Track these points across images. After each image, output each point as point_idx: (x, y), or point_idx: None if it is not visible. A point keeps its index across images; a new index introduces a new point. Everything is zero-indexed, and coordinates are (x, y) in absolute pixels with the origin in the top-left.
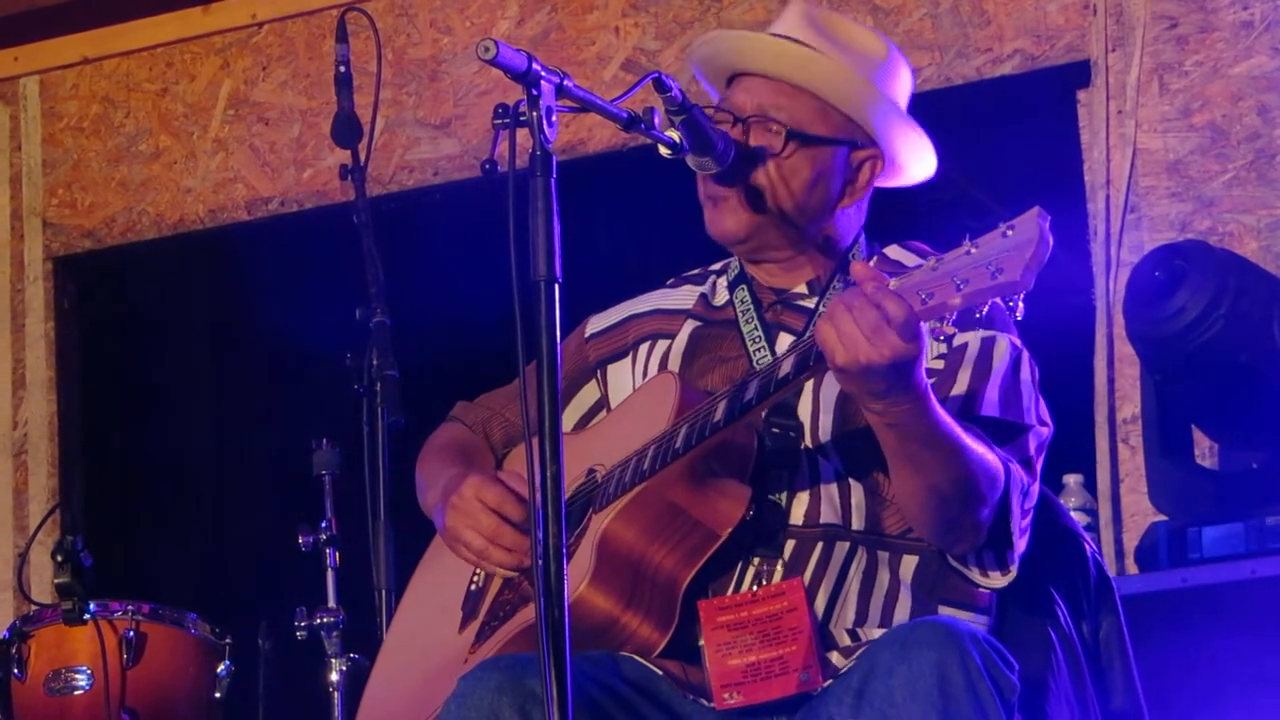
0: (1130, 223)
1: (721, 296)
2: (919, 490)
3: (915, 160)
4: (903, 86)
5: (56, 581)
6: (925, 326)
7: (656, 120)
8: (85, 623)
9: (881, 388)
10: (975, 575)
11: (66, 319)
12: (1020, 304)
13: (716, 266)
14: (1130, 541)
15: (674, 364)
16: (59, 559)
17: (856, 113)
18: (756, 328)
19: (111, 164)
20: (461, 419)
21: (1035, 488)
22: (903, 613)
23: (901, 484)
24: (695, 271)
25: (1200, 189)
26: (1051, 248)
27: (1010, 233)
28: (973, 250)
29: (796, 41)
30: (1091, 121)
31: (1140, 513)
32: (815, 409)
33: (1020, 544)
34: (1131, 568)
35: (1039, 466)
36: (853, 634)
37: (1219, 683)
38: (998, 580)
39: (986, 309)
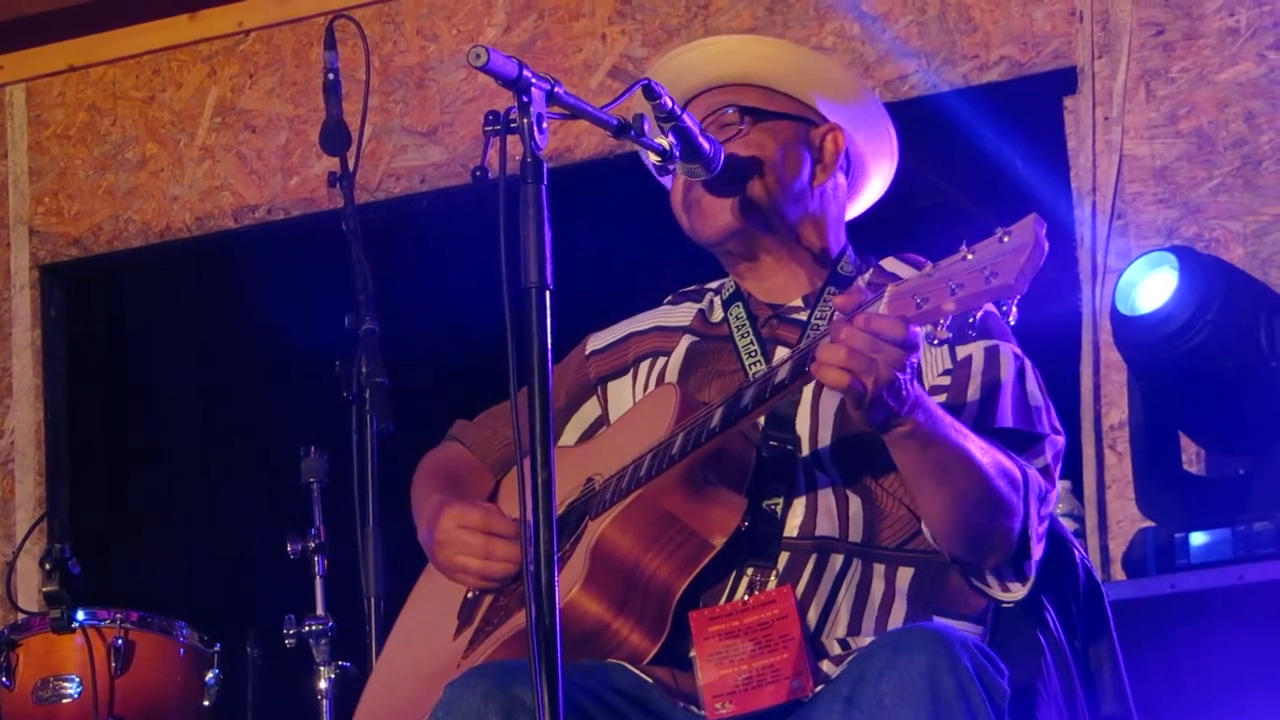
0: (1117, 229)
1: (717, 314)
2: (947, 501)
3: (873, 132)
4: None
5: (44, 590)
6: (920, 331)
7: (646, 127)
8: (73, 631)
9: (882, 413)
10: (996, 591)
11: (53, 327)
12: (1014, 309)
13: (714, 285)
14: (1117, 548)
15: (671, 378)
16: (47, 567)
17: (801, 86)
18: (752, 342)
19: (98, 172)
20: (460, 439)
21: (1053, 495)
22: (897, 623)
23: (929, 498)
24: (693, 288)
25: (1187, 195)
26: (1046, 253)
27: (1006, 238)
28: (969, 256)
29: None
30: (1078, 128)
31: (1127, 519)
32: (814, 421)
33: (1037, 551)
34: (1119, 574)
35: (1057, 474)
36: (843, 644)
37: (1208, 689)
38: (1018, 592)
39: (980, 314)
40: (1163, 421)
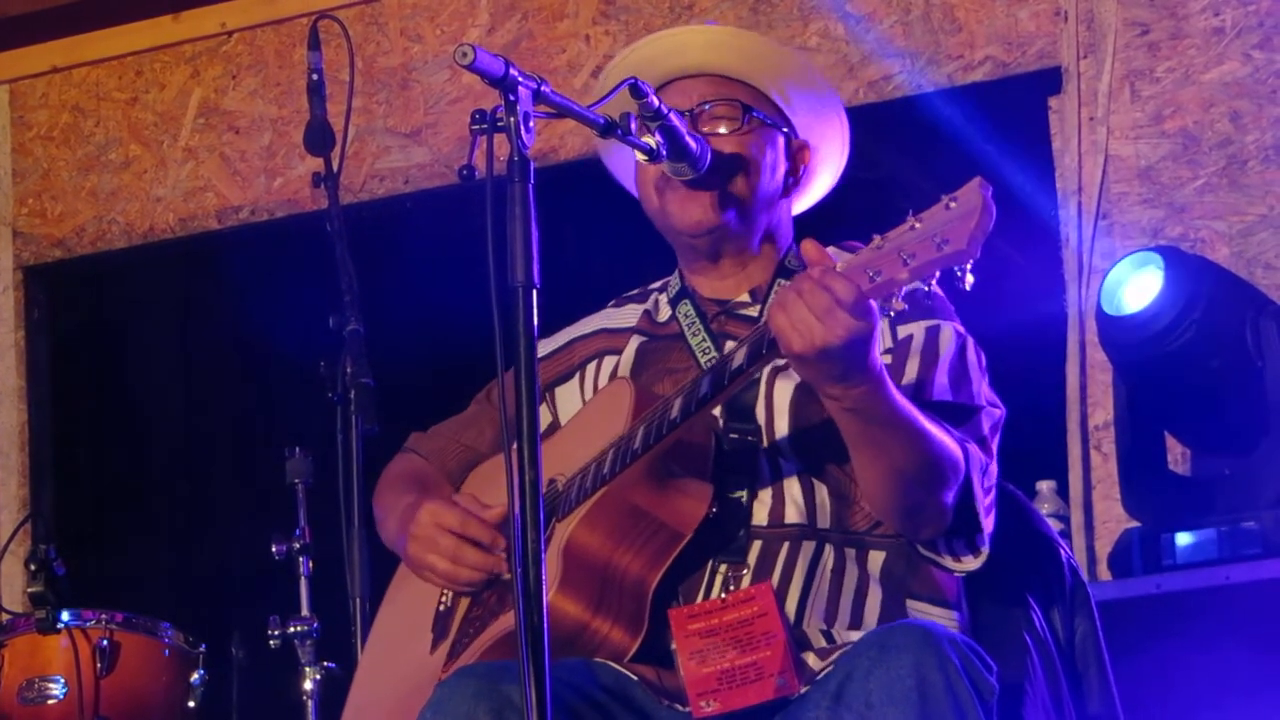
0: (1102, 229)
1: (664, 312)
2: (883, 474)
3: (830, 148)
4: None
5: (29, 591)
6: (875, 304)
7: (633, 126)
8: (59, 632)
9: (839, 370)
10: (949, 562)
11: (37, 328)
12: (969, 274)
13: (656, 285)
14: (1103, 548)
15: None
16: (32, 568)
17: (774, 88)
18: (705, 339)
19: (81, 173)
20: (415, 450)
21: (993, 466)
22: (873, 607)
23: (866, 470)
24: (635, 291)
25: (1172, 195)
26: (995, 216)
27: (953, 204)
28: (916, 225)
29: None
30: (1063, 128)
31: (1113, 519)
32: (770, 411)
33: (987, 524)
34: (1104, 574)
35: (995, 445)
36: (827, 634)
37: (1193, 688)
38: (971, 564)
39: (934, 283)
40: (1148, 421)
